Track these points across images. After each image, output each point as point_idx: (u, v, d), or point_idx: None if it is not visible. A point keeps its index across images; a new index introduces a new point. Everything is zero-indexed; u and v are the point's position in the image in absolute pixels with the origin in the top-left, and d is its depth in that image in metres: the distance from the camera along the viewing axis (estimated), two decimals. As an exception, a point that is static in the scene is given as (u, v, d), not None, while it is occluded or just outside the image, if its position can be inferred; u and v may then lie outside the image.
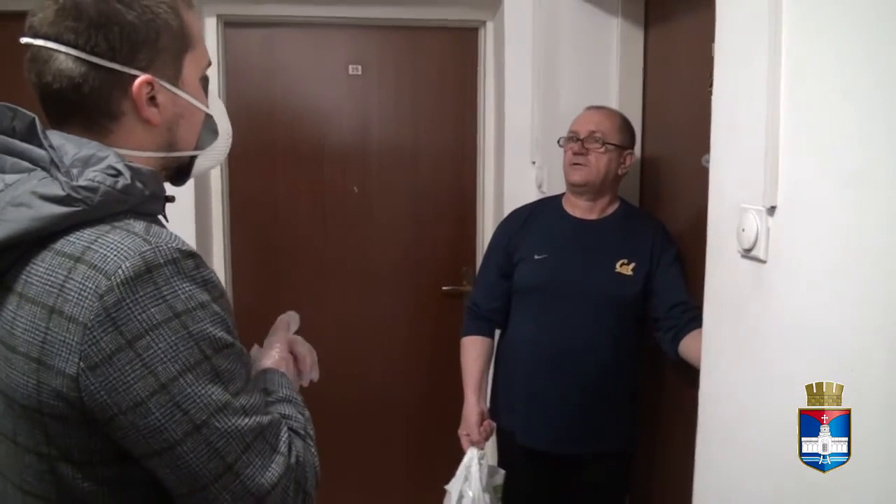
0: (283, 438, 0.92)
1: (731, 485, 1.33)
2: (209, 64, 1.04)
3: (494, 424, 2.28)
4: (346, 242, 3.12)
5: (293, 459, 0.92)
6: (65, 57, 0.88)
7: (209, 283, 0.87)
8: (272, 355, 1.15)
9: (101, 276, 0.80)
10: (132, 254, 0.82)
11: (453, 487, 2.15)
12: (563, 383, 2.12)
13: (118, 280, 0.80)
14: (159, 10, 0.93)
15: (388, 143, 3.10)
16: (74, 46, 0.88)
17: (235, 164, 3.00)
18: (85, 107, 0.91)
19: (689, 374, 1.90)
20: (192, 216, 2.72)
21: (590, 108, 2.27)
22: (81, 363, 0.80)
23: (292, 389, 1.09)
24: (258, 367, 1.12)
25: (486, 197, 3.14)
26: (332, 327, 3.07)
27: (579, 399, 2.13)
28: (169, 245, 0.85)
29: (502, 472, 2.23)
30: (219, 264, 3.02)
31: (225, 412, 0.85)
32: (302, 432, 1.00)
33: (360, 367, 3.16)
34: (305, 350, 1.22)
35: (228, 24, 2.95)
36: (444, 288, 3.17)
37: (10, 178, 0.88)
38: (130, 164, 0.89)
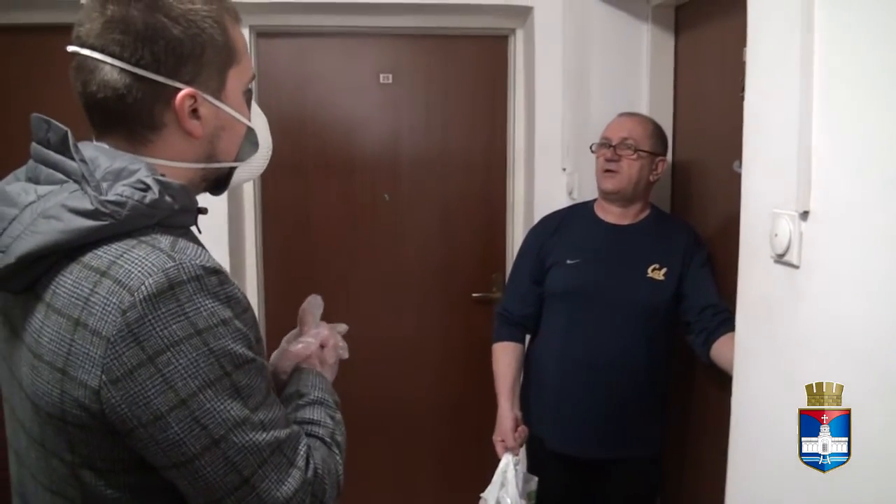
0: (301, 452, 0.93)
1: (762, 490, 1.32)
2: (253, 77, 1.05)
3: (527, 430, 2.27)
4: (376, 250, 3.14)
5: (310, 473, 0.93)
6: (110, 68, 0.89)
7: (232, 300, 0.88)
8: (311, 348, 1.17)
9: (124, 291, 0.81)
10: (155, 270, 0.82)
11: (490, 494, 2.14)
12: (595, 389, 2.12)
13: (141, 296, 0.81)
14: (205, 26, 0.93)
15: (418, 151, 3.11)
16: (120, 58, 0.89)
17: (267, 173, 2.94)
18: (127, 117, 0.92)
19: (720, 377, 1.89)
20: (225, 226, 2.76)
21: (622, 114, 2.27)
22: (103, 376, 0.81)
23: (326, 391, 1.10)
24: (288, 348, 1.17)
25: (517, 204, 3.14)
26: (362, 334, 3.06)
27: (610, 404, 2.12)
28: (193, 262, 0.85)
29: (535, 478, 2.22)
30: (251, 273, 3.06)
31: (243, 427, 0.86)
32: (328, 439, 1.01)
33: (392, 373, 3.17)
34: (328, 333, 1.23)
35: (261, 35, 2.99)
36: (474, 295, 3.17)
37: (42, 189, 0.89)
38: (160, 177, 0.89)
